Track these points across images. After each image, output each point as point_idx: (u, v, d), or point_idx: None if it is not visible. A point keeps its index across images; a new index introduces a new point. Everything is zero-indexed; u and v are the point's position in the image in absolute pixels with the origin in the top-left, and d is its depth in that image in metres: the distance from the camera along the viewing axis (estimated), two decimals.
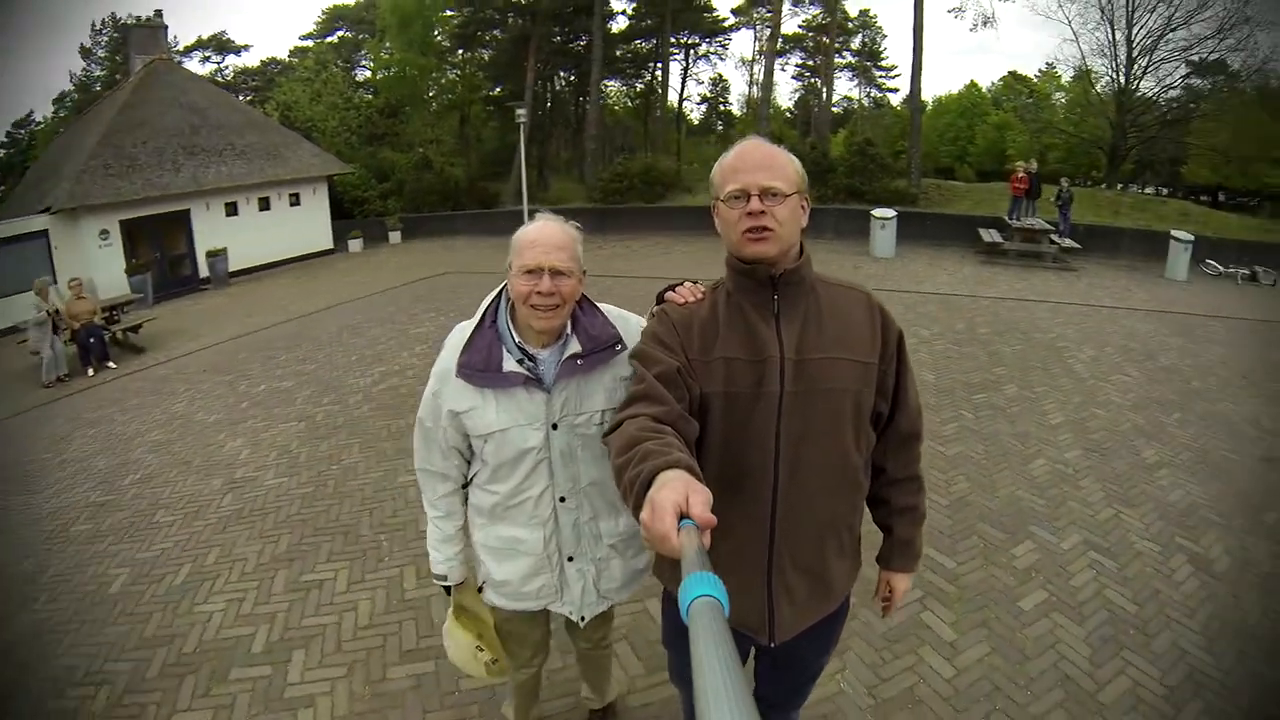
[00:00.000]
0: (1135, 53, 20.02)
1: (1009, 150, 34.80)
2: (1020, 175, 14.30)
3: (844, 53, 33.10)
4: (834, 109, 34.85)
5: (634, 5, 30.62)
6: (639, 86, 34.21)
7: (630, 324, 1.59)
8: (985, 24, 24.33)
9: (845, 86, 38.12)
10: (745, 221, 1.21)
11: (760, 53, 32.50)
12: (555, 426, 1.52)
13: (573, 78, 31.62)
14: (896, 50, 50.59)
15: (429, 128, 23.69)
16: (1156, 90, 20.70)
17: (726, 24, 32.75)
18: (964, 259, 12.78)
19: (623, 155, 24.09)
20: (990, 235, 13.23)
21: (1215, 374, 6.31)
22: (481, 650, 1.78)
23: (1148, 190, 26.29)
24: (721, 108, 40.02)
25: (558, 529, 1.62)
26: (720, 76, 56.88)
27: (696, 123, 40.92)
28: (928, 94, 39.61)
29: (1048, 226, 12.62)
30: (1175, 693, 2.49)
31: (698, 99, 41.51)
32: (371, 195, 20.66)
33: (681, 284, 1.40)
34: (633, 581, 1.77)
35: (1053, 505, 3.82)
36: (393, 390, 6.32)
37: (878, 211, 13.09)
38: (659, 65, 31.41)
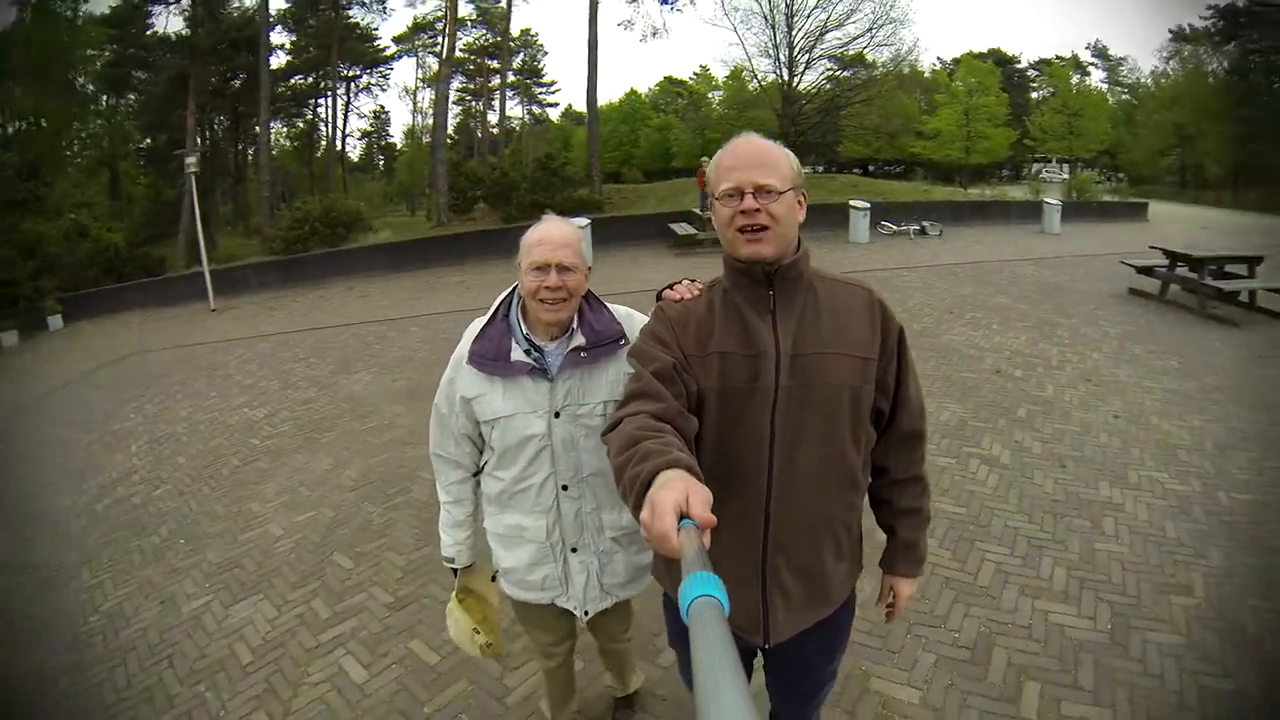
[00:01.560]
0: (796, 52, 22.98)
1: (673, 149, 38.62)
2: (703, 170, 16.04)
3: (506, 72, 33.65)
4: (494, 129, 35.47)
5: (294, 39, 28.56)
6: (300, 125, 32.14)
7: (635, 321, 1.63)
8: (655, 35, 26.74)
9: (506, 105, 39.10)
10: (739, 220, 1.20)
11: (424, 81, 32.18)
12: (558, 415, 1.58)
13: (229, 122, 28.69)
14: (556, 66, 53.56)
15: (77, 189, 19.28)
16: (818, 82, 24.11)
17: (388, 53, 31.99)
18: (660, 255, 13.19)
19: (300, 199, 22.13)
20: (683, 229, 13.65)
21: (926, 314, 7.51)
22: (478, 633, 1.82)
23: (819, 170, 31.79)
24: (384, 141, 39.34)
25: (560, 518, 1.67)
26: (382, 109, 55.63)
27: (357, 159, 40.01)
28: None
29: None
30: None
31: (358, 134, 40.82)
32: (19, 277, 16.13)
33: (679, 282, 1.41)
34: (637, 578, 1.78)
35: None
36: (123, 502, 4.71)
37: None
38: (321, 101, 29.63)
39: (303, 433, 5.51)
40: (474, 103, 35.59)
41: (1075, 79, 42.73)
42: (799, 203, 1.25)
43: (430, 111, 28.32)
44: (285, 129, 32.11)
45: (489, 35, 30.43)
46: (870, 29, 22.49)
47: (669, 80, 42.37)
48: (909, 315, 7.49)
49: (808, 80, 24.02)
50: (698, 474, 0.85)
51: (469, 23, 30.43)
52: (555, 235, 1.54)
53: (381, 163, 38.90)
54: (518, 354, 1.54)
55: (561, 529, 1.68)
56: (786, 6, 22.47)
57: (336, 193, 25.08)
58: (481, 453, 1.73)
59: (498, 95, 33.82)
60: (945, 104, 35.00)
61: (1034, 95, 44.56)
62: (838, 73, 24.53)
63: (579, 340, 1.56)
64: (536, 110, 40.00)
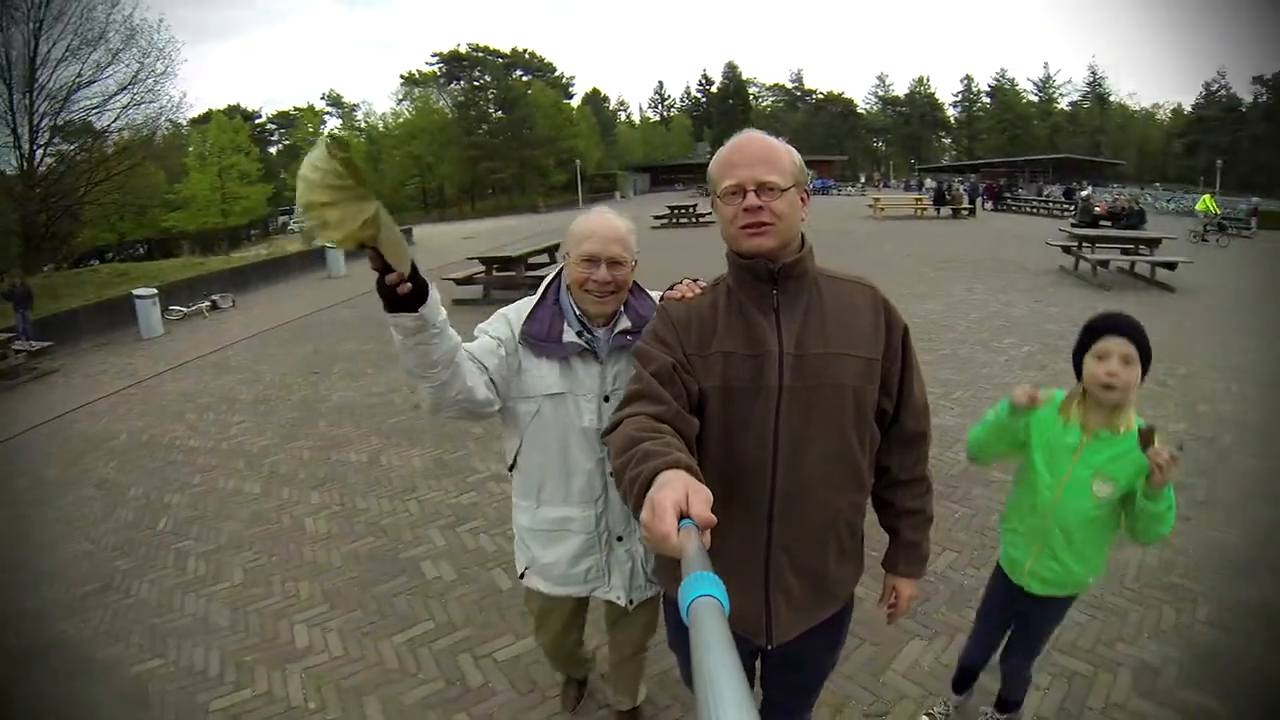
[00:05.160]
0: (39, 120, 17.15)
1: None
2: None
3: None
4: None
5: None
6: None
7: None
8: None
9: None
10: (742, 217, 1.19)
11: None
12: (607, 399, 1.57)
13: None
14: None
15: None
16: (51, 164, 18.52)
17: None
18: None
19: None
20: None
21: (294, 385, 6.98)
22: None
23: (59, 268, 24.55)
24: None
25: (608, 507, 1.66)
26: None
27: None
28: None
29: (11, 334, 9.98)
30: None
31: None
32: None
33: (680, 281, 1.40)
34: None
35: None
36: None
37: None
38: None
39: None
40: None
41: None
42: (802, 200, 1.23)
43: None
44: None
45: None
46: (130, 84, 18.85)
47: None
48: (277, 389, 6.67)
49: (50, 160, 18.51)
50: (698, 474, 0.85)
51: None
52: (607, 229, 1.53)
53: None
54: (570, 335, 1.55)
55: (609, 518, 1.67)
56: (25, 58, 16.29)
57: None
58: (492, 395, 1.55)
59: None
60: (196, 168, 32.89)
61: (274, 149, 46.52)
62: (68, 149, 19.58)
63: (625, 324, 1.58)
64: None
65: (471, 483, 4.29)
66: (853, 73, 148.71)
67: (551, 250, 11.32)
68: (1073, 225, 17.91)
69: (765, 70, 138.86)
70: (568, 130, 54.04)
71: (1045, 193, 33.98)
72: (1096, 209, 20.76)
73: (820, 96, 72.36)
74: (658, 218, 21.98)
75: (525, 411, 1.61)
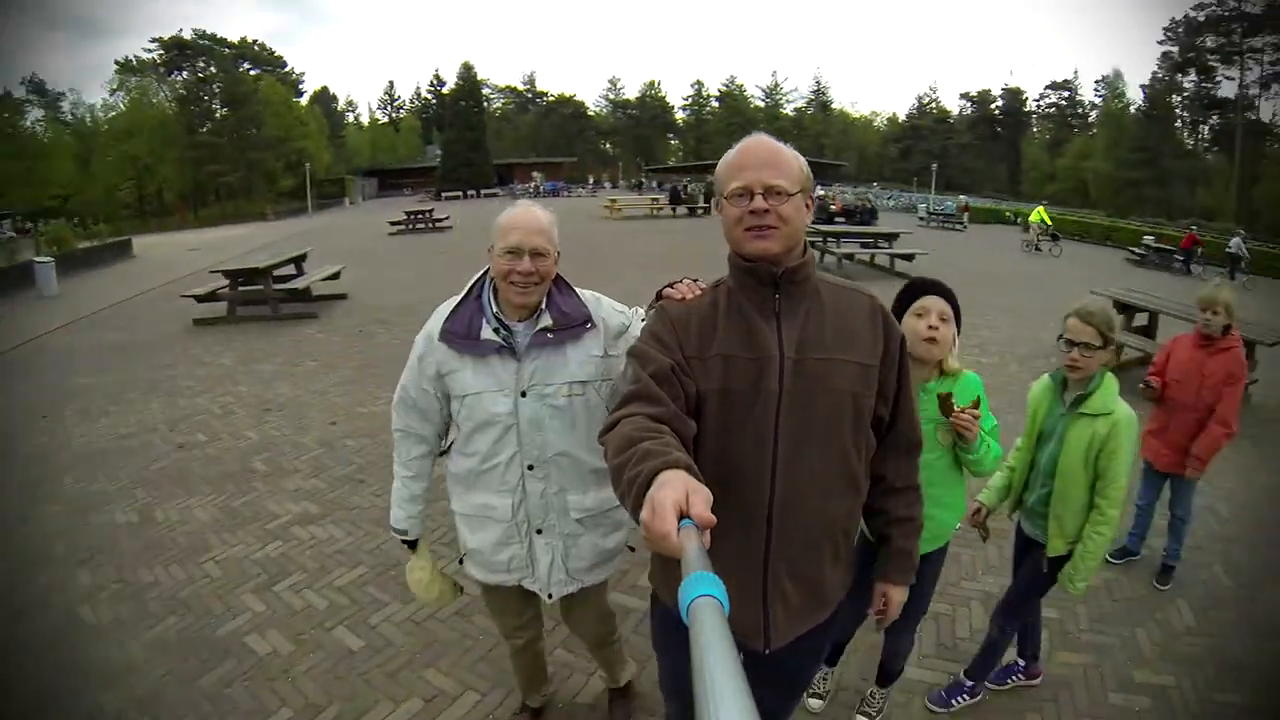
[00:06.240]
0: None
1: None
2: None
3: None
4: None
5: None
6: None
7: (603, 305, 1.74)
8: None
9: None
10: (748, 220, 1.19)
11: None
12: (524, 394, 1.63)
13: None
14: None
15: None
16: None
17: None
18: None
19: None
20: None
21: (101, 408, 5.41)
22: (442, 588, 1.96)
23: None
24: None
25: (525, 497, 1.70)
26: None
27: None
28: None
29: None
30: None
31: None
32: None
33: (680, 281, 1.39)
34: (603, 562, 1.82)
35: None
36: None
37: None
38: None
39: None
40: None
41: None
42: (807, 205, 1.24)
43: None
44: None
45: None
46: None
47: None
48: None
49: None
50: (698, 474, 0.84)
51: None
52: (529, 221, 1.57)
53: None
54: (487, 332, 1.60)
55: (527, 509, 1.71)
56: None
57: None
58: (448, 430, 1.78)
59: None
60: None
61: None
62: None
63: (546, 321, 1.61)
64: None
65: (273, 530, 3.62)
66: (585, 75, 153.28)
67: (298, 260, 10.35)
68: (810, 222, 20.47)
69: (499, 72, 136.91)
70: (297, 131, 49.73)
71: None
72: (833, 206, 22.96)
73: (552, 98, 72.69)
74: (394, 223, 21.31)
75: (453, 406, 1.71)
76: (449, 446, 1.78)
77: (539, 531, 1.73)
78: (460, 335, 1.61)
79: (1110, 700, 2.40)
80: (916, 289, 1.83)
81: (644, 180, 51.58)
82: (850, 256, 12.53)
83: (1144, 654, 2.62)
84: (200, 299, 8.81)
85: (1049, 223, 21.10)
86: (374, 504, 3.83)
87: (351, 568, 3.25)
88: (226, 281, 8.88)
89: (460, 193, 43.63)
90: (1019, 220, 28.21)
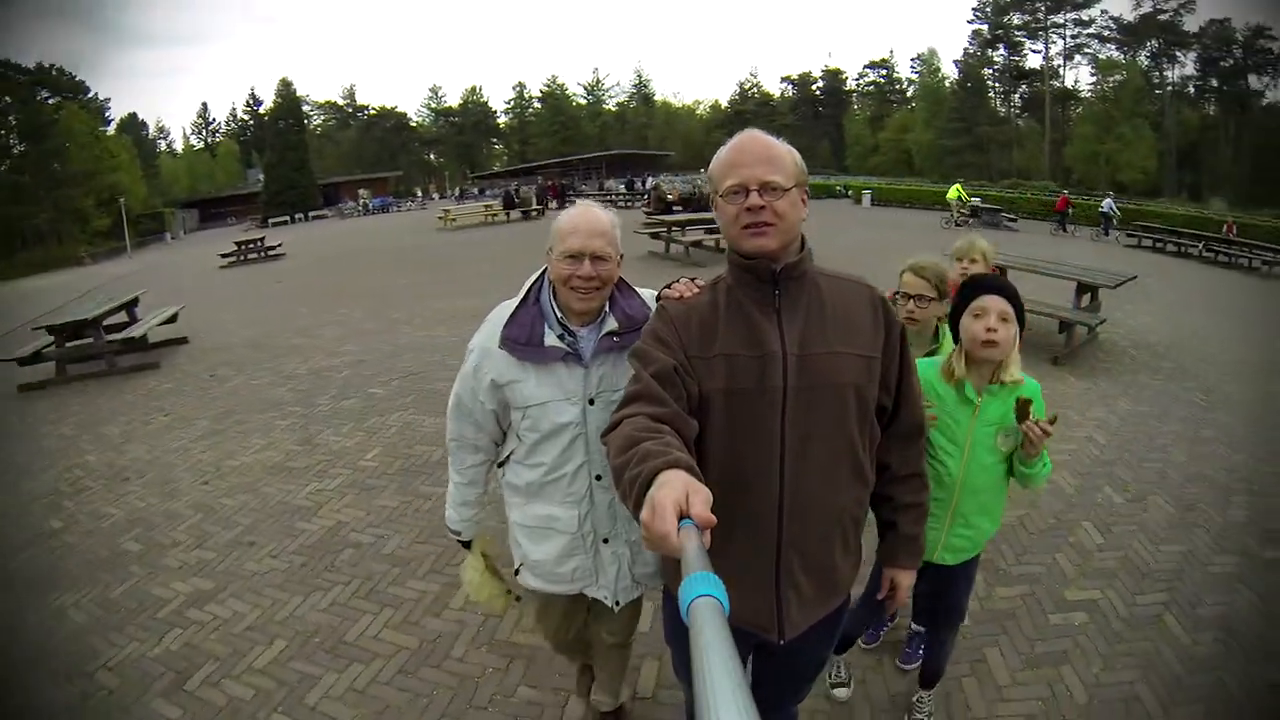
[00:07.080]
0: None
1: None
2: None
3: None
4: None
5: None
6: None
7: None
8: None
9: None
10: (744, 217, 1.18)
11: None
12: (592, 402, 1.55)
13: None
14: None
15: None
16: None
17: None
18: None
19: None
20: None
21: None
22: (496, 592, 1.93)
23: None
24: None
25: (593, 508, 1.64)
26: None
27: None
28: None
29: None
30: None
31: None
32: None
33: (678, 280, 1.39)
34: None
35: None
36: None
37: None
38: None
39: None
40: None
41: None
42: (802, 200, 1.23)
43: None
44: None
45: None
46: None
47: None
48: None
49: None
50: (698, 474, 0.84)
51: None
52: (589, 223, 1.50)
53: None
54: (551, 339, 1.52)
55: (594, 520, 1.66)
56: None
57: None
58: (505, 438, 1.71)
59: None
60: None
61: None
62: None
63: (611, 325, 1.54)
64: None
65: (166, 618, 3.07)
66: (406, 85, 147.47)
67: (129, 306, 9.21)
68: (648, 213, 19.70)
69: (318, 88, 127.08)
70: (107, 163, 44.54)
71: (606, 187, 37.75)
72: (670, 196, 23.15)
73: (374, 111, 70.50)
74: (225, 255, 19.82)
75: (513, 417, 1.63)
76: (507, 457, 1.71)
77: (605, 541, 1.69)
78: (521, 342, 1.53)
79: (1051, 621, 2.61)
80: (975, 287, 1.68)
81: (466, 188, 50.90)
82: (698, 244, 12.52)
83: (1068, 575, 2.88)
84: (23, 362, 7.53)
85: (966, 199, 21.69)
86: (272, 567, 3.38)
87: (268, 644, 2.84)
88: (51, 338, 7.65)
89: (288, 217, 41.31)
90: (849, 192, 30.26)
